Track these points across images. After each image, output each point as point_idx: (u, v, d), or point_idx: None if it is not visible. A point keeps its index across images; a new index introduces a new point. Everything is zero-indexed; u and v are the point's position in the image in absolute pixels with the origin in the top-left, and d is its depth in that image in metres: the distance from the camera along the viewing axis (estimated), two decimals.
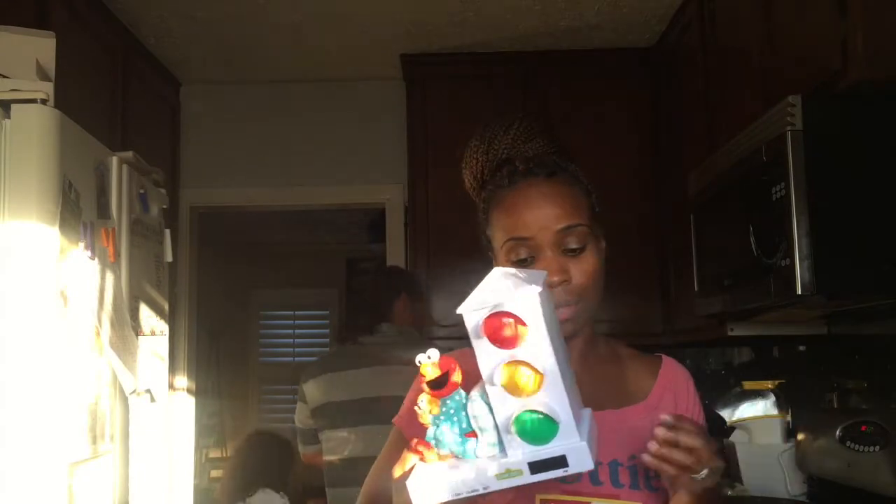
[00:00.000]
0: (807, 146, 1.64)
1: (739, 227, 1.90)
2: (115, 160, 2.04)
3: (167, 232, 2.42)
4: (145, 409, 2.12)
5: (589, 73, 3.16)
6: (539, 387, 0.83)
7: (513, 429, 0.84)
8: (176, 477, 3.14)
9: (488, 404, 0.85)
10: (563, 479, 0.86)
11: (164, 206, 2.42)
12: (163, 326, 2.35)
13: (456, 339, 2.56)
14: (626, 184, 3.03)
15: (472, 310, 0.83)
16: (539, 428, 0.84)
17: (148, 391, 2.14)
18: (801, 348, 2.54)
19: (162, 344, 2.33)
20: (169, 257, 2.43)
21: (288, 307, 6.25)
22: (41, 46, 1.86)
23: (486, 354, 0.84)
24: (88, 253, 1.83)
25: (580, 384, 0.94)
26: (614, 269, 1.15)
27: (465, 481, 0.85)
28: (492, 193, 1.13)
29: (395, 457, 0.92)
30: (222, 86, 3.48)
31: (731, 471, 2.53)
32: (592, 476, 1.04)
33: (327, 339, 6.10)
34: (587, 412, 0.92)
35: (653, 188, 3.05)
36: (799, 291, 1.61)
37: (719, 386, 2.97)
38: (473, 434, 0.86)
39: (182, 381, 3.34)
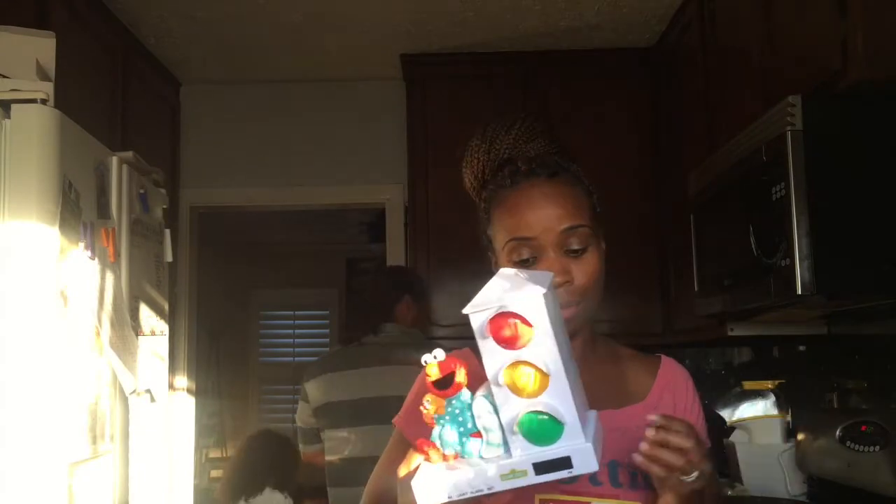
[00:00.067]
0: (807, 146, 1.64)
1: (739, 227, 1.90)
2: (115, 160, 2.04)
3: (167, 232, 2.42)
4: (145, 409, 2.12)
5: (589, 73, 3.16)
6: (544, 388, 0.83)
7: (517, 429, 0.84)
8: (176, 477, 3.14)
9: (493, 404, 0.86)
10: (562, 480, 0.86)
11: (164, 206, 2.42)
12: (163, 326, 2.35)
13: (456, 340, 2.56)
14: (626, 184, 3.03)
15: (478, 310, 0.83)
16: (544, 429, 0.84)
17: (148, 391, 2.14)
18: (801, 348, 2.54)
19: (162, 344, 2.33)
20: (169, 257, 2.44)
21: (288, 307, 6.25)
22: (41, 46, 1.86)
23: (492, 355, 0.84)
24: (88, 253, 1.83)
25: None
26: (614, 269, 1.15)
27: (469, 481, 0.85)
28: (493, 193, 1.12)
29: (397, 457, 0.92)
30: (222, 86, 3.48)
31: (730, 471, 2.53)
32: (591, 476, 1.04)
33: (327, 339, 6.10)
34: (593, 414, 0.92)
35: (653, 188, 3.05)
36: (799, 291, 1.61)
37: (719, 386, 2.97)
38: (478, 434, 0.87)
39: (182, 381, 3.34)
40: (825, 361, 2.37)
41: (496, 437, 0.86)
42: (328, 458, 2.40)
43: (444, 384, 0.85)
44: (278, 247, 5.90)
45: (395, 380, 2.05)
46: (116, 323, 1.94)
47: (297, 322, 6.30)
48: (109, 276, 1.93)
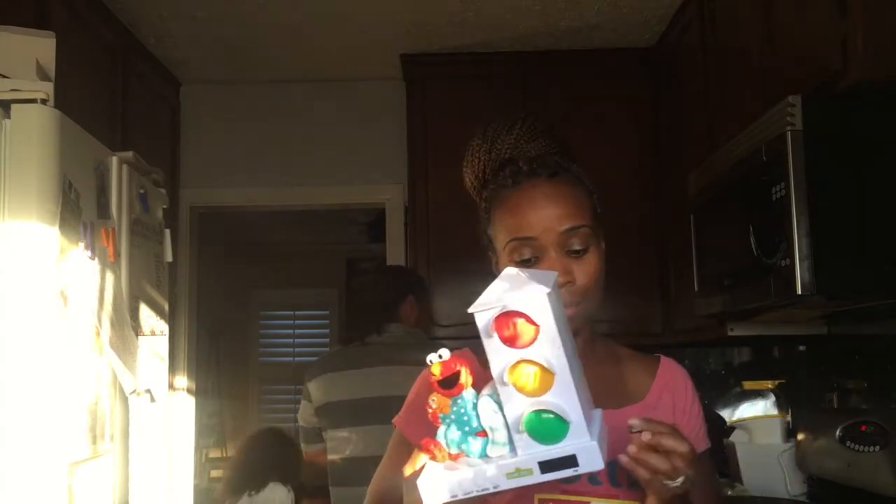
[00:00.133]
0: (807, 146, 1.64)
1: (739, 227, 1.90)
2: (115, 160, 2.04)
3: (167, 232, 2.42)
4: (145, 409, 2.12)
5: (589, 73, 3.16)
6: (549, 386, 0.83)
7: (523, 428, 0.84)
8: (176, 477, 3.14)
9: (498, 403, 0.86)
10: (562, 479, 0.86)
11: (164, 206, 2.42)
12: (163, 326, 2.35)
13: (456, 339, 2.56)
14: (626, 184, 3.03)
15: (483, 309, 0.84)
16: (549, 427, 0.84)
17: (148, 391, 2.14)
18: (801, 348, 2.54)
19: (162, 344, 2.33)
20: (169, 257, 2.44)
21: (288, 307, 6.25)
22: (41, 46, 1.86)
23: (497, 353, 0.84)
24: (88, 253, 1.83)
25: None
26: (614, 269, 1.15)
27: (475, 480, 0.85)
28: (494, 193, 1.12)
29: (399, 457, 0.92)
30: (222, 86, 3.48)
31: (730, 471, 2.53)
32: (591, 476, 1.04)
33: (327, 339, 6.10)
34: (598, 412, 0.92)
35: (653, 188, 3.05)
36: (799, 291, 1.61)
37: (719, 386, 2.97)
38: (483, 433, 0.87)
39: (182, 381, 3.34)
40: (825, 361, 2.38)
41: (501, 435, 0.86)
42: (330, 457, 2.40)
43: (449, 384, 0.85)
44: (278, 247, 5.90)
45: (399, 380, 2.04)
46: (116, 323, 1.94)
47: (297, 322, 6.30)
48: (109, 276, 1.93)
